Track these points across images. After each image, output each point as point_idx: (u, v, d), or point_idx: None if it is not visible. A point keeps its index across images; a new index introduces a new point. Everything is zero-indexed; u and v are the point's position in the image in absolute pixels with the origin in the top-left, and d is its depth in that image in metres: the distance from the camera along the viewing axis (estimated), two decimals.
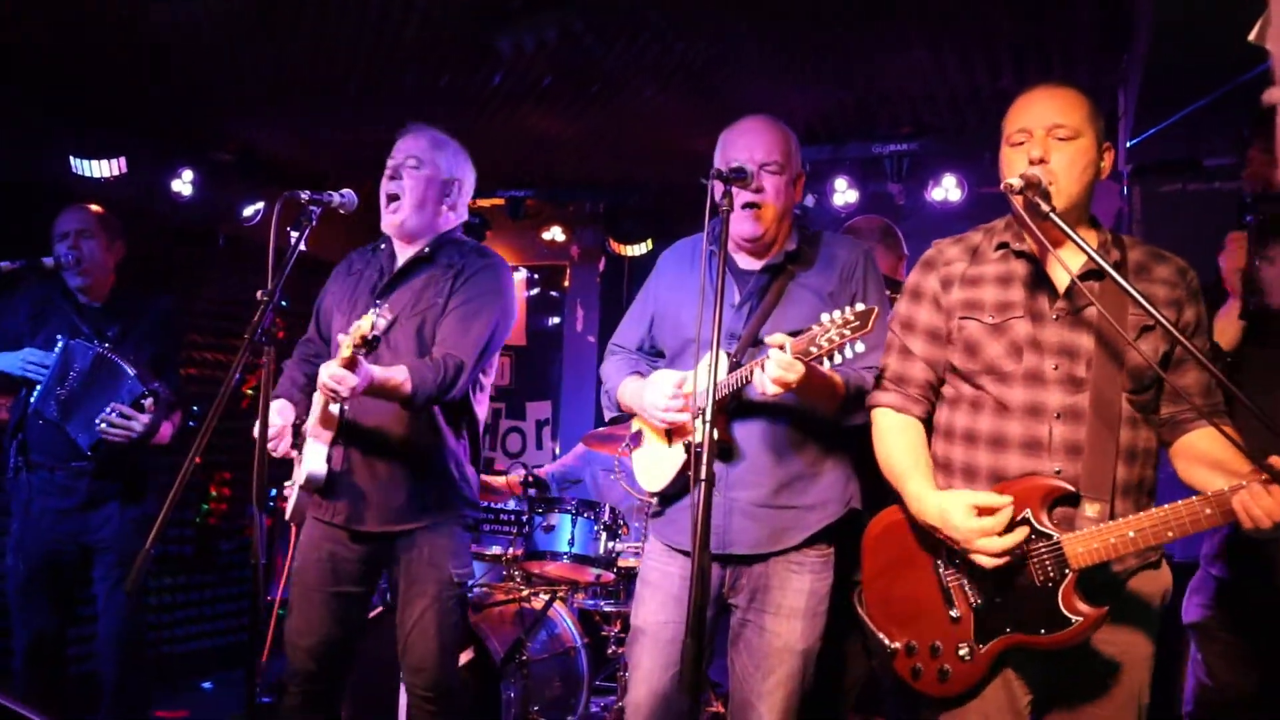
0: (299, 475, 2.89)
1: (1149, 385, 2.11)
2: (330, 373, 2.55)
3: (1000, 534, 2.01)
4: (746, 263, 2.64)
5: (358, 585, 2.95)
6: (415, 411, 2.82)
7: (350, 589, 2.94)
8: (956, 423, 2.22)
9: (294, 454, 2.95)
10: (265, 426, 2.38)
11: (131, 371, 3.44)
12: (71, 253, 3.59)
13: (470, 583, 4.58)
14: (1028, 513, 2.03)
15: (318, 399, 2.86)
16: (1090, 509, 2.01)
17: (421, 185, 2.99)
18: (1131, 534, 1.94)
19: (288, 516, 2.99)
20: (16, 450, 3.55)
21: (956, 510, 2.05)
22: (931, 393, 2.30)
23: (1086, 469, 2.04)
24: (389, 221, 3.01)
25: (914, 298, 2.31)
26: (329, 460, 2.86)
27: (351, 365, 2.54)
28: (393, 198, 3.00)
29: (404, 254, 3.05)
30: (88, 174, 4.98)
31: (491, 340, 2.94)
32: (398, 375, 2.71)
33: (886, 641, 2.23)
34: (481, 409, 3.09)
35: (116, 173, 5.03)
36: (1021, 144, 2.11)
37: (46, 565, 3.51)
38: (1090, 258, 1.98)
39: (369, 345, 2.48)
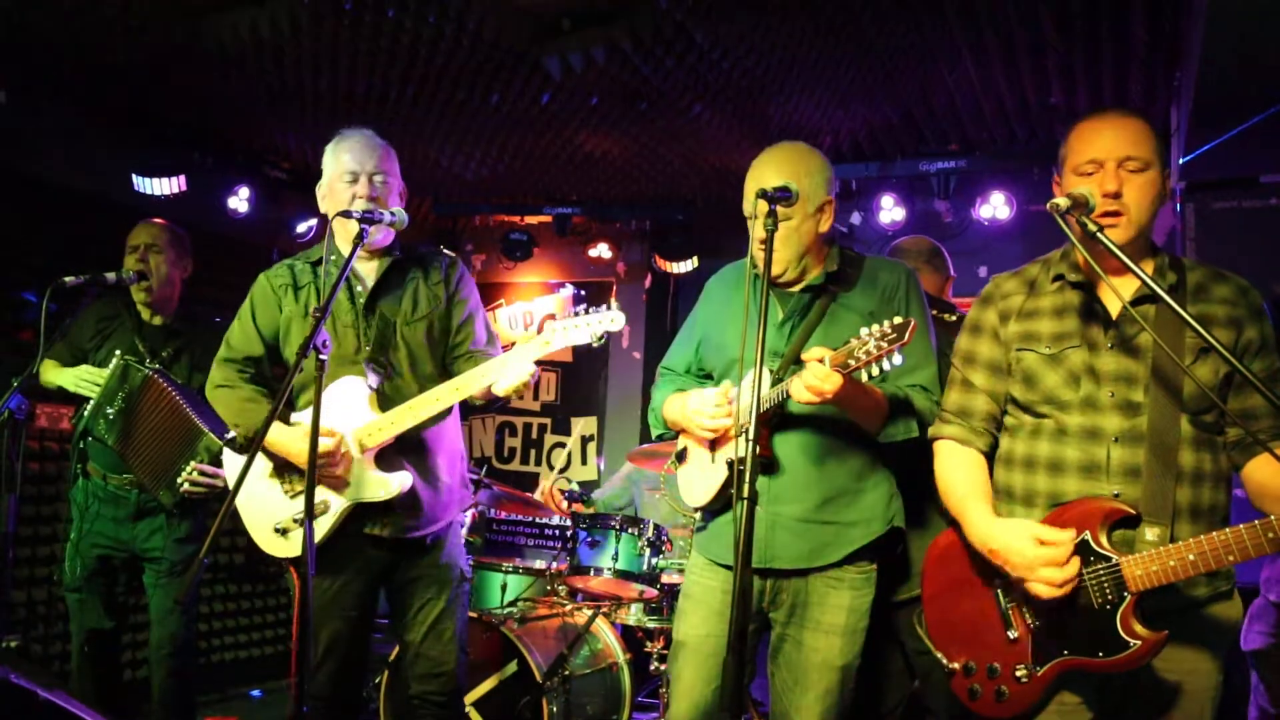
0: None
1: (1211, 405, 2.07)
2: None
3: (1062, 565, 1.99)
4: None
5: (362, 609, 2.90)
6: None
7: (354, 613, 2.87)
8: (1016, 450, 2.22)
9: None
10: (316, 438, 2.40)
11: (206, 427, 3.44)
12: (139, 265, 3.66)
13: (515, 598, 4.64)
14: (1086, 535, 2.01)
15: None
16: (1150, 532, 1.99)
17: (394, 197, 3.04)
18: (1191, 557, 1.90)
19: None
20: (77, 459, 3.66)
21: (1020, 539, 2.04)
22: (994, 425, 2.30)
23: (1145, 492, 2.02)
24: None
25: (974, 332, 2.33)
26: None
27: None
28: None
29: (372, 263, 2.99)
30: (149, 192, 5.10)
31: None
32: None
33: (945, 661, 2.23)
34: None
35: (177, 190, 5.15)
36: (1091, 174, 2.09)
37: (100, 569, 3.61)
38: (1143, 282, 1.95)
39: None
